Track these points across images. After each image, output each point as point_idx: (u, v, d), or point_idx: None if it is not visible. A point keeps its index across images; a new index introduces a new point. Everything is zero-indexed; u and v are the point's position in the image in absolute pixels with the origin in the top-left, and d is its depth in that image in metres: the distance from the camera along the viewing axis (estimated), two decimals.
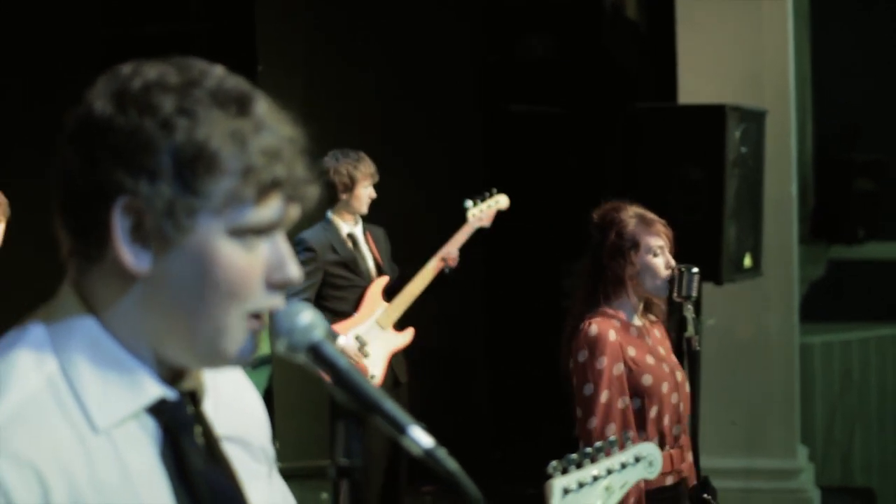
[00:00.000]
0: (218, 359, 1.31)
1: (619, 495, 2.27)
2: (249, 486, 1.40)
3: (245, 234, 1.26)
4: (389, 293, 5.35)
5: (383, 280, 5.35)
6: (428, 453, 1.28)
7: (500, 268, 7.75)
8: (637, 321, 3.56)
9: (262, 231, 1.27)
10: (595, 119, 7.68)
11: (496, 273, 7.71)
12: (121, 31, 7.68)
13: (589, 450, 2.24)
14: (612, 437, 2.30)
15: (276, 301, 1.30)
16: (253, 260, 1.27)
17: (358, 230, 5.35)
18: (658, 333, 3.64)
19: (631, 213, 3.55)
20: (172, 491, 1.30)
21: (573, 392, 3.44)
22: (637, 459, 2.33)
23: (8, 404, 1.22)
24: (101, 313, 1.29)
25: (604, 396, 3.35)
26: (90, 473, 1.24)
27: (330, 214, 5.29)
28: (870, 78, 7.09)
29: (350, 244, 5.30)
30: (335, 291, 5.23)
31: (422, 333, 5.45)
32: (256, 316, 1.30)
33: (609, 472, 2.25)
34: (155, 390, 1.30)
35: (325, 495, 6.44)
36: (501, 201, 5.50)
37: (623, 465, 2.29)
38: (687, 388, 3.59)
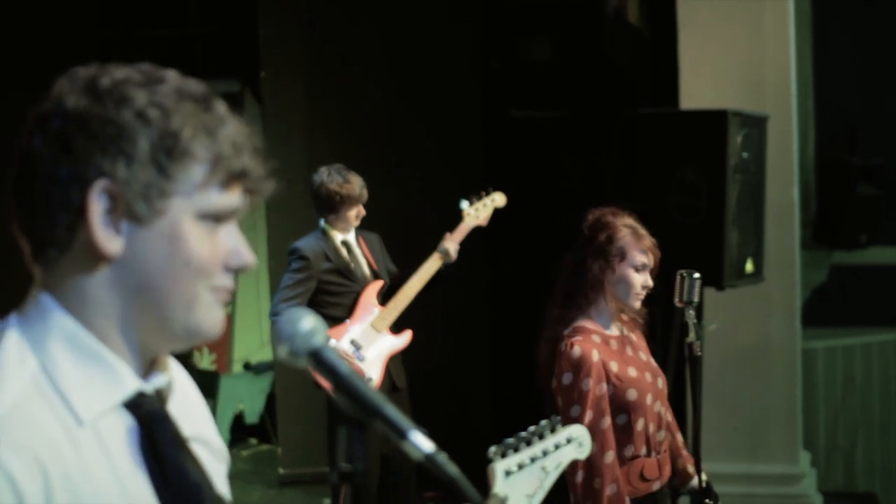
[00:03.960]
0: (192, 333, 1.36)
1: (554, 475, 2.40)
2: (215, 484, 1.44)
3: (208, 218, 1.33)
4: (386, 297, 5.34)
5: (377, 284, 5.34)
6: (429, 458, 1.29)
7: (501, 272, 7.74)
8: (615, 330, 3.57)
9: (223, 218, 1.35)
10: (597, 124, 7.67)
11: (497, 277, 7.71)
12: (121, 34, 7.69)
13: (524, 434, 2.37)
14: (544, 421, 2.43)
15: (231, 282, 1.37)
16: (216, 243, 1.35)
17: (351, 237, 5.35)
18: (635, 338, 3.64)
19: (626, 223, 3.55)
20: (151, 482, 1.34)
21: (557, 408, 3.46)
22: (569, 441, 2.48)
23: (5, 396, 1.26)
24: (73, 308, 1.33)
25: (588, 417, 3.37)
26: (80, 464, 1.28)
27: (324, 224, 5.29)
28: (872, 82, 7.08)
29: (344, 251, 5.30)
30: (331, 298, 5.23)
31: (424, 338, 5.44)
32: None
33: (545, 453, 2.39)
34: (133, 383, 1.34)
35: (327, 501, 6.43)
36: (498, 199, 5.48)
37: (556, 447, 2.43)
38: (666, 391, 3.61)
